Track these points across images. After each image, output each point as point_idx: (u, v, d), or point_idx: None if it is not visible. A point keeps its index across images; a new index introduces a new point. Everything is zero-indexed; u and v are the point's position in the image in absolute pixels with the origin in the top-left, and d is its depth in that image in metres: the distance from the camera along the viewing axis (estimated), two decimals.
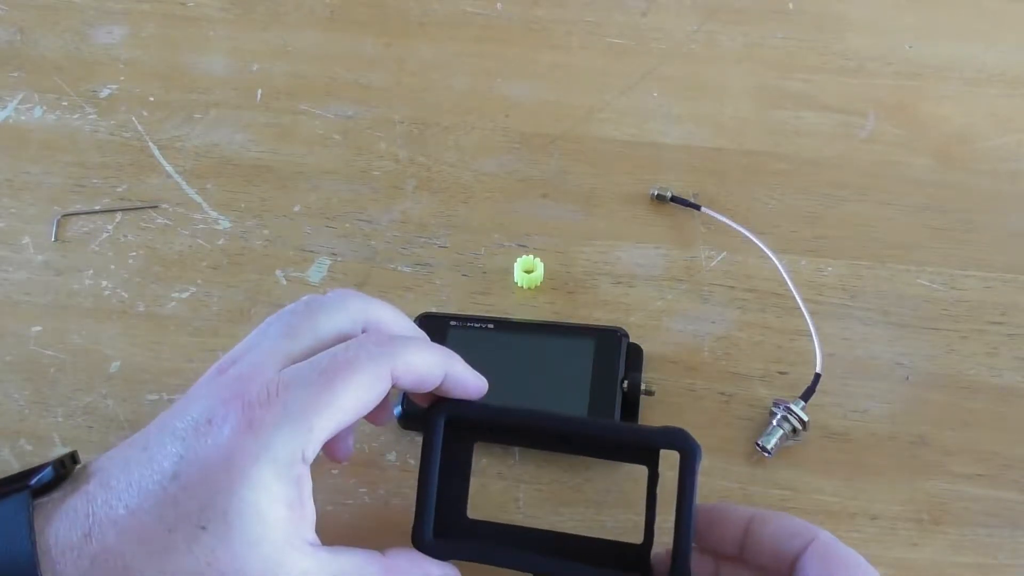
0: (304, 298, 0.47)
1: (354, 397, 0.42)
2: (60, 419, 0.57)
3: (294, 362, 0.43)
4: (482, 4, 0.79)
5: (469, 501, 0.49)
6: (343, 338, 0.45)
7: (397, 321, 0.47)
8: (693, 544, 0.46)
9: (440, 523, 0.47)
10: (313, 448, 0.42)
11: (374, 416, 0.49)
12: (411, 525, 0.47)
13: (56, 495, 0.42)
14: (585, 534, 0.49)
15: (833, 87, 0.74)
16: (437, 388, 0.47)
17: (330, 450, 0.49)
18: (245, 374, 0.42)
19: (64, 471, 0.43)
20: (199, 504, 0.40)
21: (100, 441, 0.56)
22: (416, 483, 0.47)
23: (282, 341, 0.44)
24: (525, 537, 0.49)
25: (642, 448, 0.48)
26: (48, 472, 0.42)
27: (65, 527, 0.40)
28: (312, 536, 0.42)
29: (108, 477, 0.41)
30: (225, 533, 0.40)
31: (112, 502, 0.40)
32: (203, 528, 0.40)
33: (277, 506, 0.41)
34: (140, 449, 0.42)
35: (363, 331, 0.46)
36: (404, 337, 0.46)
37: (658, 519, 0.47)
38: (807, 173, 0.69)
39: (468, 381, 0.47)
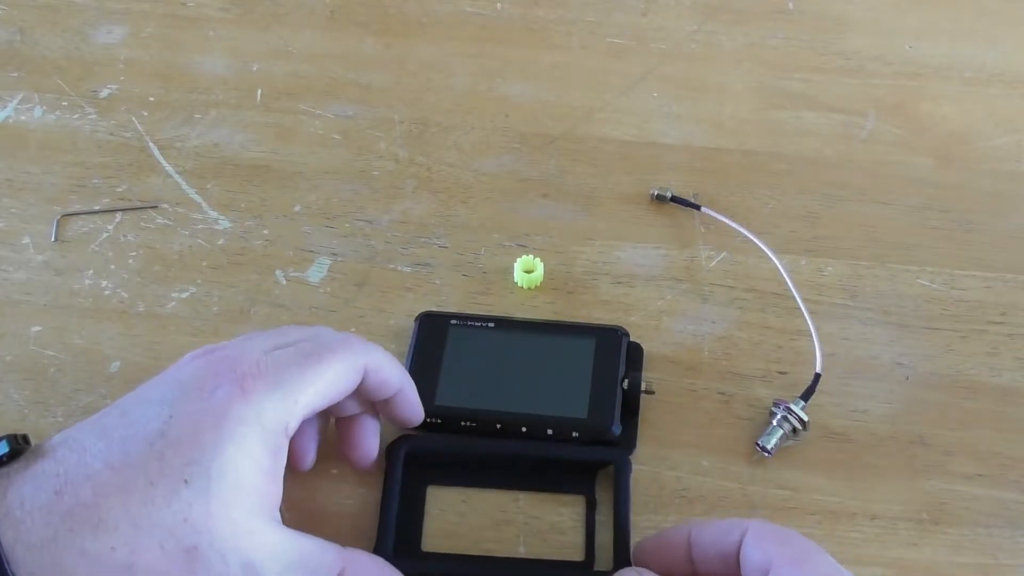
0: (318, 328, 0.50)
1: (333, 380, 0.46)
2: (60, 419, 0.57)
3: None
4: (482, 4, 0.79)
5: (423, 537, 0.53)
6: None
7: (393, 367, 0.50)
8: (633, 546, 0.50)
9: (398, 550, 0.51)
10: (295, 422, 0.44)
11: (297, 460, 0.52)
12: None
13: (16, 465, 0.41)
14: (533, 557, 0.52)
15: (833, 87, 0.74)
16: (385, 402, 0.51)
17: (295, 456, 0.51)
18: (234, 354, 0.44)
19: (19, 447, 0.42)
20: (185, 459, 0.40)
21: None
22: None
23: (271, 337, 0.47)
24: (476, 562, 0.52)
25: (582, 466, 0.54)
26: (3, 445, 0.42)
27: (31, 488, 0.40)
28: (278, 515, 0.44)
29: (82, 443, 0.42)
30: (205, 490, 0.40)
31: (88, 460, 0.41)
32: (185, 482, 0.40)
33: (256, 473, 0.42)
34: (118, 415, 0.43)
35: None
36: (378, 346, 0.49)
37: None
38: (807, 173, 0.69)
39: (414, 404, 0.52)
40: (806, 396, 0.56)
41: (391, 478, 0.53)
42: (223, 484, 0.41)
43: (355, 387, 0.48)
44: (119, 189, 0.67)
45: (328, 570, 0.44)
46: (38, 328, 0.60)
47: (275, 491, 0.44)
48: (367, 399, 0.51)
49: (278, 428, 0.43)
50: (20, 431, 0.55)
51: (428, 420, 0.55)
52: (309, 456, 0.52)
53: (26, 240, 0.65)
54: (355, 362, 0.47)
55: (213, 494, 0.40)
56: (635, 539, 0.52)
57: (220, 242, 0.65)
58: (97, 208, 0.66)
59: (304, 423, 0.47)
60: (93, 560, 0.39)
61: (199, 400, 0.42)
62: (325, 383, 0.45)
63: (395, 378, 0.50)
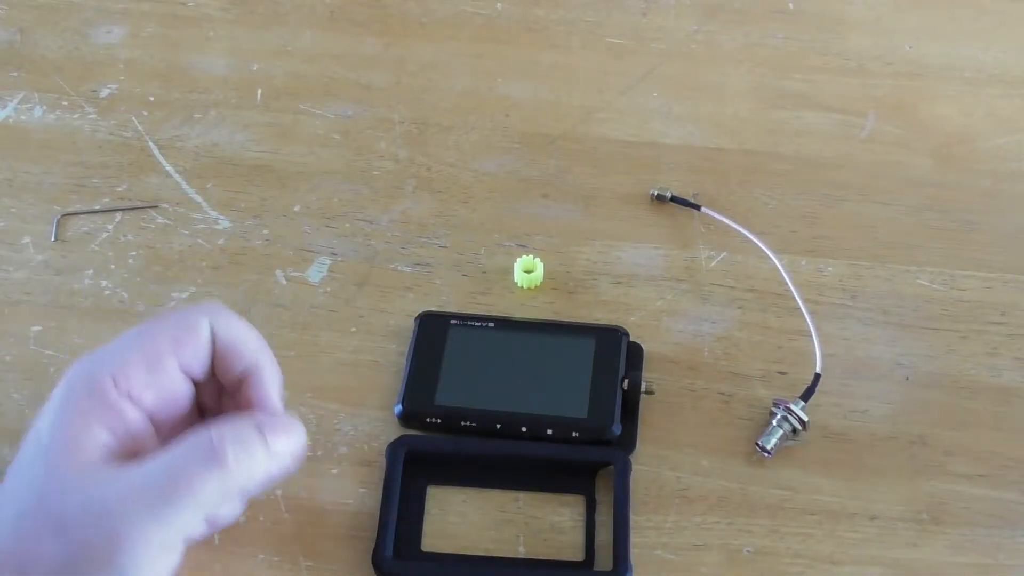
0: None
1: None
2: None
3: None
4: (482, 4, 0.80)
5: (423, 537, 0.53)
6: None
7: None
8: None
9: (398, 550, 0.52)
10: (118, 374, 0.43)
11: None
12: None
13: None
14: (532, 557, 0.52)
15: (833, 87, 0.74)
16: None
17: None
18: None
19: None
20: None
21: None
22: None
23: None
24: (476, 563, 0.52)
25: (582, 466, 0.55)
26: None
27: None
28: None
29: None
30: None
31: None
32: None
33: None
34: (18, 455, 0.44)
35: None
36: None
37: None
38: (807, 173, 0.69)
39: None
40: (806, 396, 0.56)
41: (391, 478, 0.53)
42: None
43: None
44: (119, 189, 0.67)
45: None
46: (38, 328, 0.60)
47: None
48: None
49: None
50: (20, 431, 0.56)
51: (428, 420, 0.55)
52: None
53: (26, 240, 0.65)
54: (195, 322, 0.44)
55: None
56: (635, 539, 0.52)
57: (220, 242, 0.65)
58: (97, 208, 0.66)
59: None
60: None
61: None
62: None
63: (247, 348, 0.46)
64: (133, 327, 0.44)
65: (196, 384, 0.46)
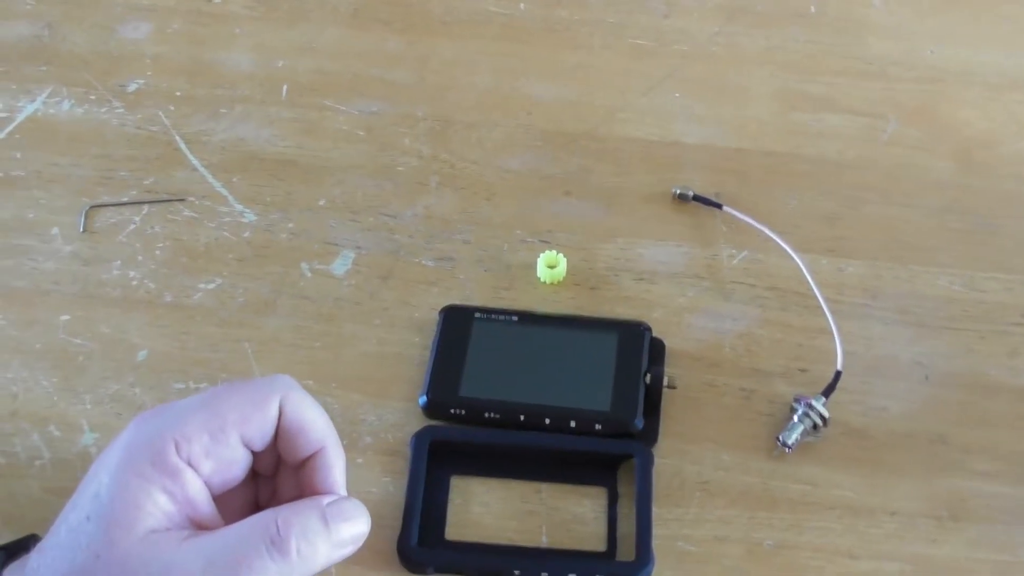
0: None
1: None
2: (89, 406, 0.57)
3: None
4: (505, 3, 0.80)
5: (447, 527, 0.53)
6: None
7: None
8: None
9: (423, 538, 0.52)
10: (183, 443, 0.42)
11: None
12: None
13: (15, 564, 0.44)
14: (555, 547, 0.53)
15: (854, 90, 0.74)
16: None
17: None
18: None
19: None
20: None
21: None
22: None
23: None
24: (500, 552, 0.53)
25: (604, 459, 0.55)
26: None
27: None
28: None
29: (46, 537, 0.42)
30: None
31: (44, 558, 0.42)
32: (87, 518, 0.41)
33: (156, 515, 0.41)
34: (71, 507, 0.42)
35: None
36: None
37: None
38: (828, 174, 0.69)
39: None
40: (827, 393, 0.57)
41: (416, 468, 0.54)
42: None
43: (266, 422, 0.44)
44: (146, 182, 0.68)
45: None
46: (67, 317, 0.61)
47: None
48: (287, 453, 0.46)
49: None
50: (50, 418, 0.57)
51: (452, 411, 0.56)
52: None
53: (55, 231, 0.65)
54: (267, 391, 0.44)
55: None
56: (656, 530, 0.52)
57: (246, 235, 0.65)
58: (125, 200, 0.67)
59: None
60: None
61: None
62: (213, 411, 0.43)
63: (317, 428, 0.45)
64: (201, 392, 0.44)
65: (254, 452, 0.45)
